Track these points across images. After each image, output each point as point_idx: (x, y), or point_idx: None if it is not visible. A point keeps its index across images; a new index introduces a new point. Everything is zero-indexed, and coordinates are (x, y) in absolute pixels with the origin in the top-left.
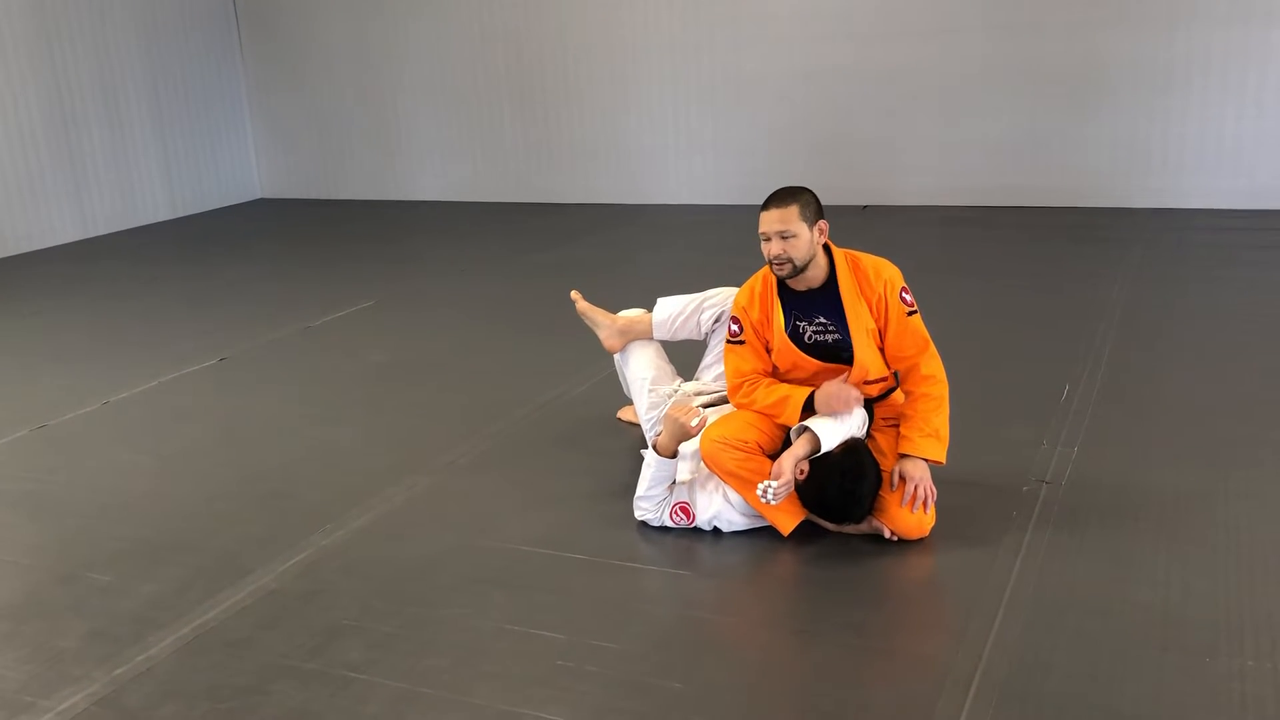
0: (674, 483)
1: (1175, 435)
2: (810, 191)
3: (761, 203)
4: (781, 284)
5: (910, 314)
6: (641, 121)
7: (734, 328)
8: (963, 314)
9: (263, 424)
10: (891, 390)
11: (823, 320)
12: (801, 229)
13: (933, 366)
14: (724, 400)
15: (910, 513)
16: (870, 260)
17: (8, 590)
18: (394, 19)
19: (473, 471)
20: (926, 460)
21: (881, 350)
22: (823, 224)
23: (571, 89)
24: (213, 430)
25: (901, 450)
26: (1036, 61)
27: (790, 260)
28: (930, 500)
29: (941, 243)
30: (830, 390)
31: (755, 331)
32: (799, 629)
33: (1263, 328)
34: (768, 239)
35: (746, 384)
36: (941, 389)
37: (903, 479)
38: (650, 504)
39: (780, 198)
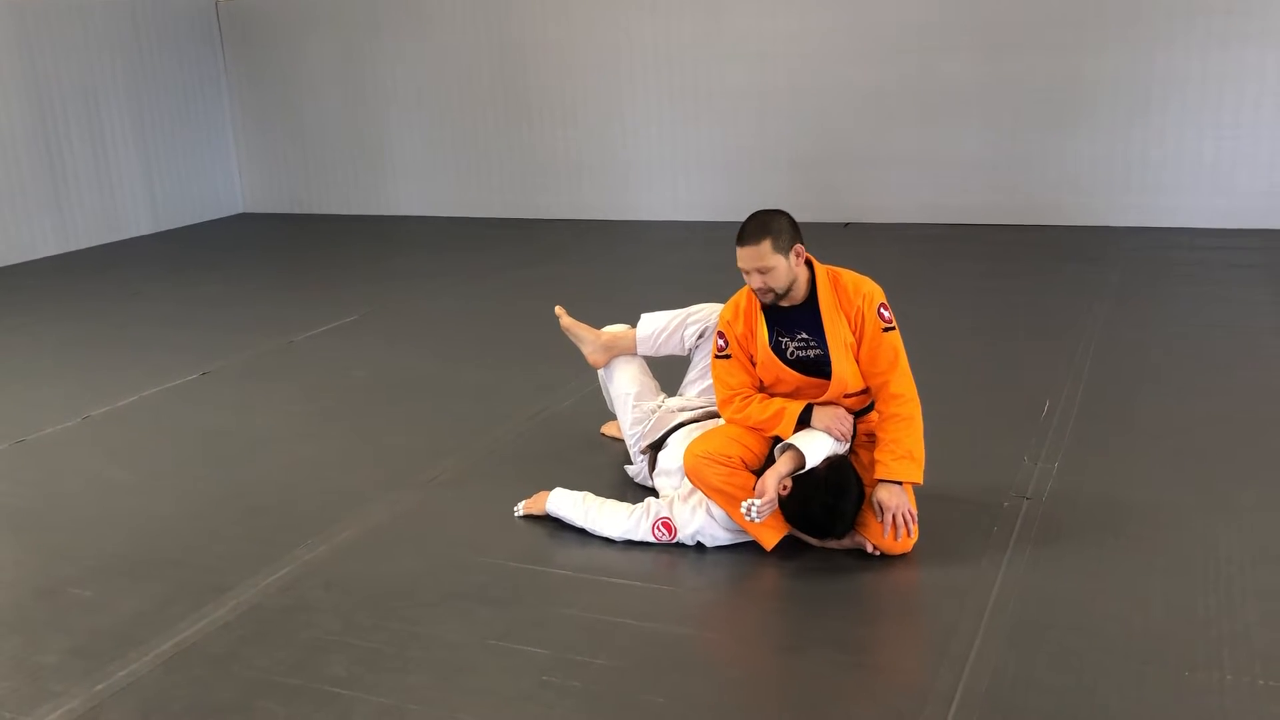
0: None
1: (1155, 451)
2: (782, 216)
3: (739, 229)
4: None
5: (886, 330)
6: (626, 138)
7: (720, 342)
8: (943, 331)
9: (245, 439)
10: (872, 406)
11: (804, 336)
12: (777, 260)
13: (902, 385)
14: (707, 416)
15: (894, 540)
16: (850, 276)
17: None
18: (379, 33)
19: (456, 487)
20: (903, 483)
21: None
22: (799, 247)
23: (557, 105)
24: (194, 445)
25: (876, 476)
26: (1017, 81)
27: (772, 290)
28: (911, 525)
29: (922, 260)
30: (837, 412)
31: (740, 346)
32: (781, 644)
33: (1240, 345)
34: (747, 273)
35: (739, 398)
36: (911, 408)
37: (881, 508)
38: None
39: (751, 235)
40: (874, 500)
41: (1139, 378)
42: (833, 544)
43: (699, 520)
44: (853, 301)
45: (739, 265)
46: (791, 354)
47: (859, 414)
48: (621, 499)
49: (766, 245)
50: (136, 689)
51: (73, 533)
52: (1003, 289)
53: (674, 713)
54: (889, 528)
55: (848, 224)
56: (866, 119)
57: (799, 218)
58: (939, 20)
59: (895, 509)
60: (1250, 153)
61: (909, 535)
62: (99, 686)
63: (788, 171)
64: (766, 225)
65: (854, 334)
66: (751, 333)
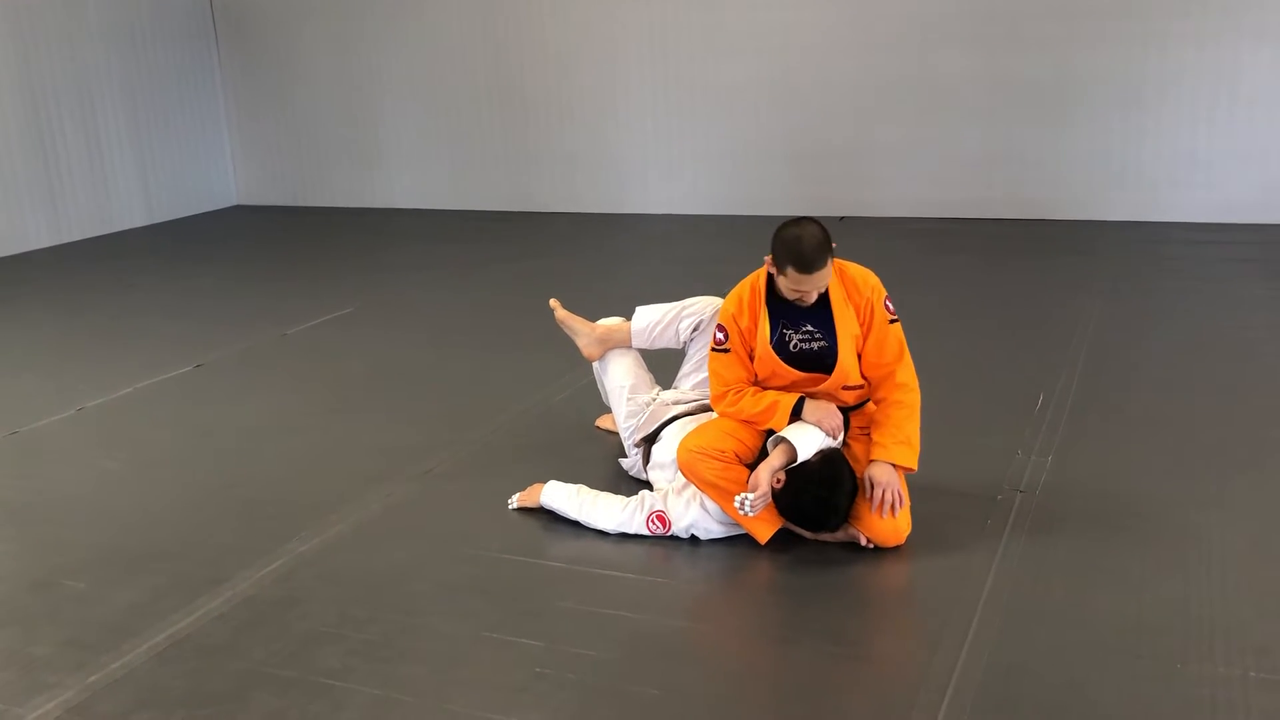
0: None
1: (1148, 445)
2: (817, 224)
3: (793, 256)
4: (770, 292)
5: (892, 321)
6: (622, 131)
7: (720, 335)
8: (938, 324)
9: (239, 431)
10: (868, 400)
11: (810, 328)
12: (831, 269)
13: (907, 375)
14: (701, 409)
15: (883, 519)
16: (855, 268)
17: None
18: (374, 26)
19: (451, 479)
20: (898, 466)
21: (860, 357)
22: (833, 245)
23: (553, 98)
24: (189, 437)
25: (873, 456)
26: (1013, 75)
27: (818, 293)
28: (899, 505)
29: (918, 253)
30: (829, 408)
31: (742, 339)
32: (775, 636)
33: (1233, 340)
34: (806, 293)
35: (732, 393)
36: (914, 397)
37: (872, 484)
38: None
39: (818, 259)
40: (866, 476)
41: (1132, 371)
42: (826, 537)
43: (693, 513)
44: (861, 293)
45: (801, 288)
46: (795, 346)
47: (855, 408)
48: (616, 492)
49: (829, 265)
50: (130, 680)
51: (66, 525)
52: (997, 283)
53: (668, 705)
54: (877, 503)
55: (843, 218)
56: (862, 113)
57: (795, 211)
58: (935, 15)
59: (886, 485)
60: (1243, 148)
61: (894, 515)
62: (93, 678)
63: (783, 165)
64: (822, 243)
65: (861, 326)
66: (755, 325)
